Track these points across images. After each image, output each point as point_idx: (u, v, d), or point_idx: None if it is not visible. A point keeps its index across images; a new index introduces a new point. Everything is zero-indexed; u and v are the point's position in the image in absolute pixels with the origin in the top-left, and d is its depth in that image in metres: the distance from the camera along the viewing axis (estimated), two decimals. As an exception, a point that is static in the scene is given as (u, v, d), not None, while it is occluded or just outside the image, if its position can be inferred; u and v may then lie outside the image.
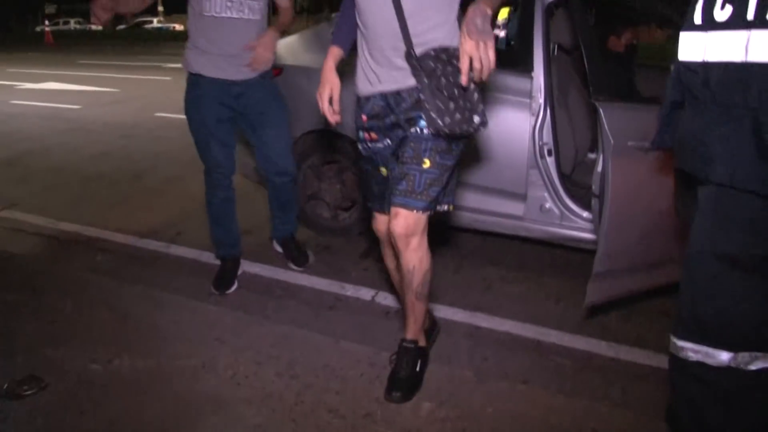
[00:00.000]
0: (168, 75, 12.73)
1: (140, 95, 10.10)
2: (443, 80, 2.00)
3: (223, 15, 2.78)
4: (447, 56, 2.01)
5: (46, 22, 31.83)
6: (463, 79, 1.86)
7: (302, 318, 2.84)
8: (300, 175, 3.74)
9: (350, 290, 3.13)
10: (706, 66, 1.40)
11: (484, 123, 2.04)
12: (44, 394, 2.21)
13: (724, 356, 1.44)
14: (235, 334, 2.62)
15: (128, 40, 28.89)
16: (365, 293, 3.10)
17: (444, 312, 2.88)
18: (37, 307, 2.85)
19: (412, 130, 2.09)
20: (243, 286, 3.15)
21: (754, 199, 1.34)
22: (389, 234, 2.15)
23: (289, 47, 3.77)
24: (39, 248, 3.69)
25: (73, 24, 43.93)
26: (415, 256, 2.13)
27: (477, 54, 1.80)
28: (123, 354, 2.44)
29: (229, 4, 2.77)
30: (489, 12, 1.84)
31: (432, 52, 2.01)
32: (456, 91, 1.99)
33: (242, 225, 3.30)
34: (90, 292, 3.02)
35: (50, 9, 46.39)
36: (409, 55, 2.02)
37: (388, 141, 2.18)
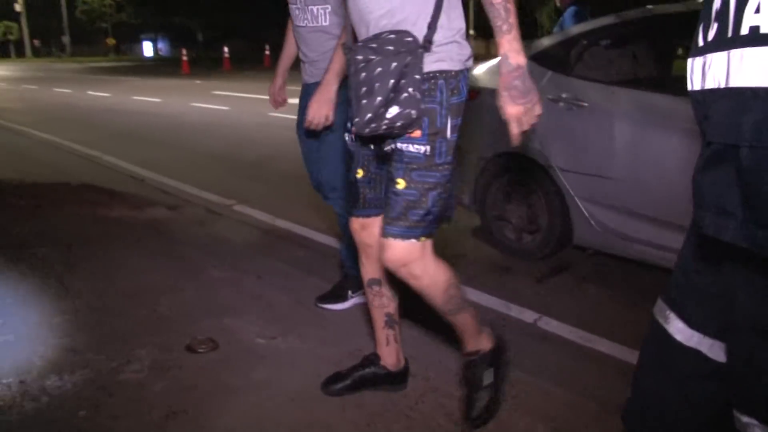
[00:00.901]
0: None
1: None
2: (362, 74, 1.79)
3: (298, 24, 2.88)
4: (380, 44, 1.79)
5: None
6: (515, 143, 1.77)
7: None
8: (490, 195, 3.87)
9: (514, 311, 3.17)
10: (703, 94, 1.19)
11: (405, 120, 1.79)
12: (214, 354, 2.58)
13: None
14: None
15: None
16: (528, 316, 3.12)
17: (610, 348, 2.80)
18: (234, 284, 3.29)
19: (389, 141, 1.90)
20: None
21: None
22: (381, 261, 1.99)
23: (486, 69, 3.91)
24: (255, 239, 4.19)
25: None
26: (421, 283, 1.95)
27: (526, 119, 1.73)
28: (288, 334, 2.75)
29: (297, 12, 2.85)
30: (522, 63, 1.71)
31: (360, 44, 1.83)
32: (375, 84, 1.77)
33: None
34: (279, 279, 3.41)
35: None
36: (347, 47, 1.89)
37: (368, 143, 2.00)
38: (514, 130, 1.74)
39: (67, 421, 2.12)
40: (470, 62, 1.89)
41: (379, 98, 1.76)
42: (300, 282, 3.38)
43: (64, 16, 54.44)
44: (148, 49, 64.50)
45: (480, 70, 3.90)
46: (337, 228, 4.33)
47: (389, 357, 2.33)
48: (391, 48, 1.77)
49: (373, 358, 2.35)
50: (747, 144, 1.04)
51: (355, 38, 1.93)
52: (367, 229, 2.12)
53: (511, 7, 1.71)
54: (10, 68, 34.72)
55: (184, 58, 27.28)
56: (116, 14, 56.97)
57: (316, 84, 2.75)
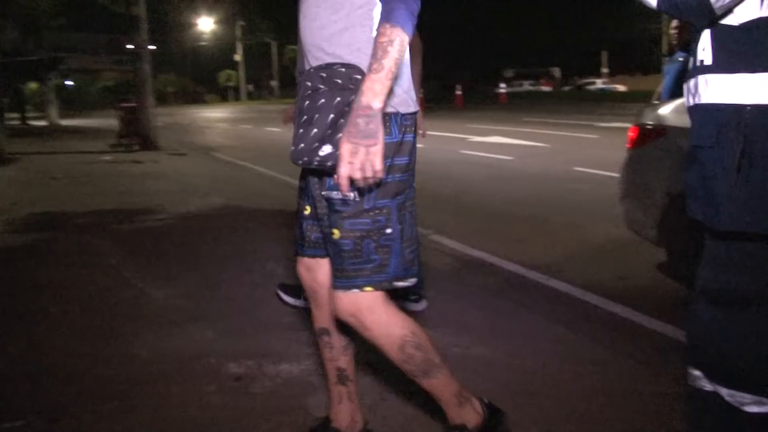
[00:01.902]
0: (597, 133, 13.38)
1: (565, 150, 10.96)
2: (306, 102, 1.75)
3: None
4: (319, 77, 1.76)
5: (503, 85, 35.29)
6: (342, 188, 1.64)
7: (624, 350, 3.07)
8: (676, 231, 3.90)
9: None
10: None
11: (327, 160, 1.68)
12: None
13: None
14: (559, 346, 3.01)
15: (572, 100, 30.52)
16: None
17: None
18: (430, 301, 3.61)
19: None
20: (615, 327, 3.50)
21: None
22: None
23: (673, 108, 3.93)
24: (449, 265, 4.52)
25: (526, 85, 48.10)
26: (372, 334, 1.82)
27: (356, 161, 1.57)
28: (478, 345, 3.04)
29: None
30: (374, 106, 1.58)
31: (312, 70, 1.79)
32: (315, 116, 1.71)
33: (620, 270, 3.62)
34: (470, 299, 3.72)
35: (509, 73, 51.57)
36: (299, 71, 1.89)
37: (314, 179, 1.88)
38: (342, 169, 1.59)
39: (296, 397, 2.56)
40: (403, 106, 1.77)
41: (315, 131, 1.70)
42: (488, 303, 3.66)
43: (274, 63, 59.37)
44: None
45: (666, 109, 3.97)
46: (523, 257, 4.58)
47: (342, 418, 2.13)
48: (339, 81, 1.73)
49: (324, 422, 2.17)
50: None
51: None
52: (312, 271, 2.04)
53: (392, 50, 1.59)
54: (229, 110, 38.48)
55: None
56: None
57: None
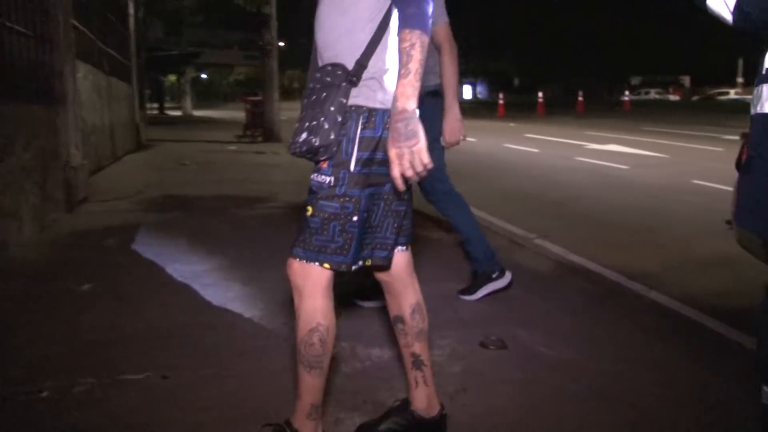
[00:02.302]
0: (722, 146, 12.81)
1: (685, 162, 10.58)
2: (305, 101, 1.92)
3: None
4: (321, 74, 1.91)
5: (627, 93, 34.14)
6: (399, 188, 1.76)
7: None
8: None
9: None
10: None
11: (305, 146, 1.84)
12: (502, 352, 3.04)
13: None
14: (636, 351, 3.02)
15: (699, 110, 29.16)
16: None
17: None
18: (525, 302, 3.73)
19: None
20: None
21: None
22: None
23: None
24: (548, 269, 4.56)
25: (653, 93, 46.28)
26: (301, 305, 1.97)
27: (405, 161, 1.71)
28: (569, 347, 3.10)
29: None
30: (409, 108, 1.72)
31: (317, 73, 1.93)
32: (314, 109, 1.87)
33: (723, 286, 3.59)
34: (566, 303, 3.76)
35: (635, 80, 49.79)
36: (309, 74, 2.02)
37: None
38: (394, 171, 1.73)
39: (383, 380, 2.73)
40: (391, 102, 1.85)
41: (305, 123, 1.88)
42: (583, 308, 3.69)
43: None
44: (467, 92, 68.17)
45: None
46: (625, 266, 4.55)
47: (419, 401, 2.22)
48: (328, 79, 1.88)
49: (403, 403, 2.27)
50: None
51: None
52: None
53: (415, 53, 1.72)
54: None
55: (501, 101, 28.59)
56: (442, 60, 61.34)
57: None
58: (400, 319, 2.20)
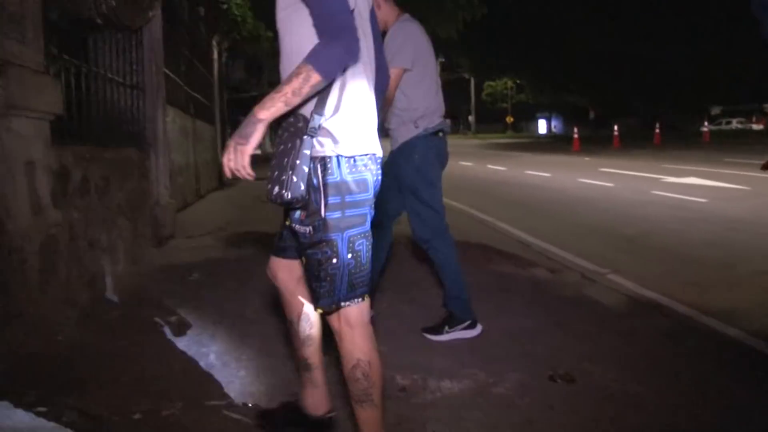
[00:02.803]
0: (812, 178, 12.36)
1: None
2: (280, 147, 2.03)
3: None
4: (286, 124, 2.04)
5: (706, 123, 33.19)
6: (225, 173, 1.98)
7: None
8: None
9: None
10: None
11: (278, 199, 1.97)
12: (570, 386, 3.11)
13: None
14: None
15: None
16: None
17: None
18: (595, 337, 3.76)
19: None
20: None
21: None
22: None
23: None
24: (620, 305, 4.56)
25: (735, 123, 44.79)
26: (342, 345, 2.17)
27: (231, 155, 1.93)
28: (640, 383, 3.14)
29: None
30: (258, 116, 1.91)
31: (284, 123, 2.07)
32: (282, 161, 1.99)
33: None
34: (639, 339, 3.80)
35: (715, 110, 48.30)
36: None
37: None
38: (223, 159, 1.96)
39: (453, 409, 2.84)
40: (349, 149, 2.04)
41: (275, 173, 2.00)
42: (656, 344, 3.72)
43: (472, 99, 60.42)
44: (542, 126, 67.64)
45: None
46: (700, 301, 4.51)
47: (307, 400, 2.54)
48: (292, 129, 2.02)
49: (295, 401, 2.61)
50: None
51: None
52: (274, 270, 2.44)
53: (296, 80, 1.88)
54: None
55: (575, 135, 28.31)
56: (516, 95, 61.32)
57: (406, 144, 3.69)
58: (291, 325, 2.46)
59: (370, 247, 2.15)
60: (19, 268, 3.25)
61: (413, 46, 3.68)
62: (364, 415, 2.17)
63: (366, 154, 2.10)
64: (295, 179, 1.95)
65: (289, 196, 1.96)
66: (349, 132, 2.05)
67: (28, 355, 3.19)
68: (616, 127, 29.17)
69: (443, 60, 57.14)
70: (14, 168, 3.27)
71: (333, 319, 2.17)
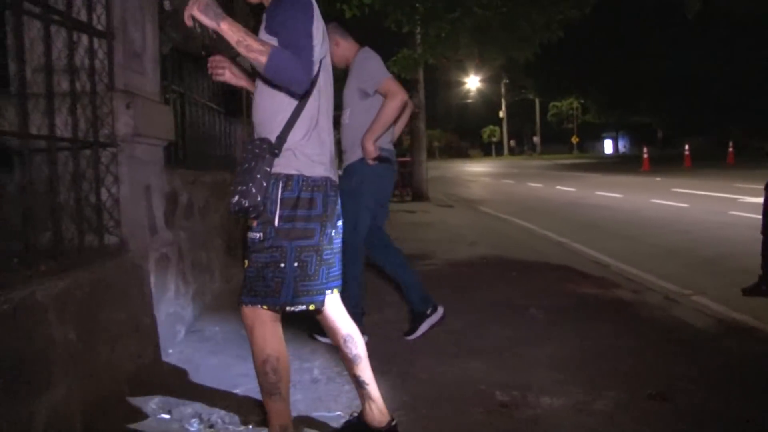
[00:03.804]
0: None
1: None
2: (243, 165, 2.31)
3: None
4: (251, 146, 2.33)
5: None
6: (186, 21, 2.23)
7: None
8: None
9: None
10: None
11: (237, 207, 2.26)
12: (665, 404, 3.15)
13: None
14: None
15: None
16: None
17: None
18: (687, 356, 3.79)
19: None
20: None
21: None
22: None
23: None
24: (707, 327, 4.55)
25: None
26: (253, 342, 2.41)
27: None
28: (725, 403, 3.17)
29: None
30: (222, 24, 2.20)
31: (249, 145, 2.38)
32: (245, 176, 2.28)
33: None
34: (729, 360, 3.80)
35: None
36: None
37: None
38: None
39: (554, 426, 2.93)
40: (308, 170, 2.36)
41: (238, 186, 2.28)
42: (751, 367, 3.71)
43: (536, 120, 60.09)
44: (608, 146, 66.58)
45: None
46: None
47: (368, 413, 2.70)
48: (257, 151, 2.31)
49: (359, 415, 2.77)
50: None
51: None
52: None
53: (255, 45, 2.19)
54: (492, 165, 39.76)
55: (645, 155, 27.82)
56: (581, 116, 60.65)
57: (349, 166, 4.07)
58: (339, 348, 2.67)
59: (320, 261, 2.40)
60: (139, 285, 3.50)
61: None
62: (273, 407, 2.45)
63: (322, 177, 2.41)
64: (253, 191, 2.25)
65: (246, 204, 2.25)
66: (311, 156, 2.38)
67: (145, 366, 3.43)
68: (687, 146, 28.54)
69: (506, 81, 57.27)
70: (137, 192, 3.53)
71: (247, 317, 2.42)
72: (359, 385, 2.68)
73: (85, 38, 3.13)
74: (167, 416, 2.97)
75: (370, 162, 4.00)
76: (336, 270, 2.57)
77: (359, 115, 4.06)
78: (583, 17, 9.55)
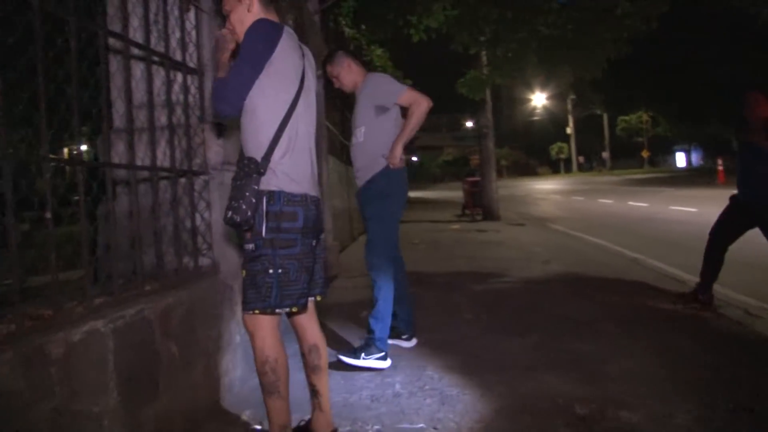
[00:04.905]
0: None
1: None
2: (236, 182, 2.56)
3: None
4: (241, 165, 2.58)
5: None
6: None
7: None
8: None
9: None
10: None
11: (230, 221, 2.52)
12: (750, 416, 3.14)
13: None
14: None
15: None
16: None
17: None
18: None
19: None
20: None
21: None
22: None
23: None
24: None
25: None
26: (253, 345, 2.63)
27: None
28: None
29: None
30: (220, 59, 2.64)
31: (240, 163, 2.62)
32: (236, 193, 2.54)
33: None
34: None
35: None
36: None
37: None
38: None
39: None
40: (287, 187, 2.59)
41: (230, 202, 2.54)
42: None
43: (605, 135, 59.09)
44: (680, 159, 64.84)
45: None
46: None
47: (315, 422, 2.89)
48: (246, 169, 2.55)
49: (306, 423, 2.94)
50: None
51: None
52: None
53: (221, 71, 2.64)
54: (561, 182, 39.29)
55: (720, 167, 27.04)
56: (652, 129, 59.33)
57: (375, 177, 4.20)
58: (303, 355, 2.89)
59: (299, 268, 2.62)
60: (230, 304, 3.71)
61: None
62: (272, 404, 2.64)
63: (300, 193, 2.65)
64: (243, 207, 2.51)
65: (238, 219, 2.52)
66: (289, 174, 2.61)
67: (237, 379, 3.63)
68: (767, 157, 27.49)
69: (573, 97, 56.55)
70: (227, 216, 3.75)
71: (247, 323, 2.66)
72: (313, 393, 2.90)
73: (180, 76, 3.39)
74: (259, 427, 3.14)
75: (395, 166, 4.17)
76: (318, 278, 2.84)
77: (375, 131, 4.21)
78: (650, 31, 9.48)
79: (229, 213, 2.53)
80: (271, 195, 2.58)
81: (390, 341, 4.26)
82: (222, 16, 2.89)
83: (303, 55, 2.77)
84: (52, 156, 2.29)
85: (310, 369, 2.88)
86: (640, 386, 3.56)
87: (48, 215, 2.33)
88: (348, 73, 4.34)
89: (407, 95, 4.16)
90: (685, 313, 5.20)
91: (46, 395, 2.06)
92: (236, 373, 3.64)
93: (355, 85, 4.38)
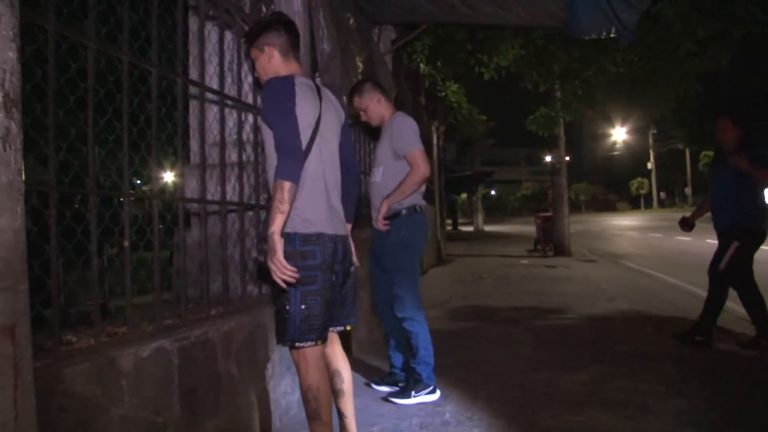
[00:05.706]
0: None
1: None
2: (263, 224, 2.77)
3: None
4: (267, 208, 2.75)
5: None
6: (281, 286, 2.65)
7: None
8: None
9: None
10: None
11: (258, 262, 2.77)
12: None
13: None
14: None
15: None
16: None
17: None
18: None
19: None
20: None
21: None
22: None
23: None
24: None
25: None
26: (298, 373, 2.78)
27: (275, 273, 2.57)
28: None
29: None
30: (270, 231, 2.57)
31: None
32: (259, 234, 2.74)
33: None
34: None
35: None
36: None
37: None
38: (273, 277, 2.62)
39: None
40: (301, 228, 2.72)
41: (258, 243, 2.74)
42: None
43: (687, 170, 57.36)
44: (767, 195, 62.07)
45: None
46: None
47: None
48: (266, 211, 2.72)
49: None
50: None
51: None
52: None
53: (277, 197, 2.57)
54: (639, 218, 38.31)
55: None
56: (739, 164, 57.23)
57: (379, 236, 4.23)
58: (330, 379, 2.97)
59: (323, 302, 2.76)
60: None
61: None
62: (315, 429, 2.78)
63: (315, 233, 2.76)
64: (266, 248, 2.64)
65: (262, 259, 2.69)
66: (302, 216, 2.73)
67: (294, 403, 3.84)
68: None
69: (655, 132, 55.26)
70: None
71: (293, 353, 2.80)
72: (340, 415, 3.05)
73: (251, 117, 3.69)
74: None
75: (381, 226, 4.16)
76: (346, 310, 3.02)
77: (393, 174, 4.15)
78: (721, 69, 9.37)
79: (254, 254, 2.79)
80: (287, 236, 2.69)
81: (382, 388, 4.42)
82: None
83: (320, 98, 2.87)
84: (131, 191, 2.58)
85: (334, 393, 3.00)
86: (693, 428, 3.56)
87: (126, 243, 2.62)
88: (377, 106, 4.28)
89: (412, 156, 4.08)
90: (746, 356, 5.12)
91: (116, 403, 2.31)
92: (294, 396, 3.84)
93: (382, 120, 4.32)
